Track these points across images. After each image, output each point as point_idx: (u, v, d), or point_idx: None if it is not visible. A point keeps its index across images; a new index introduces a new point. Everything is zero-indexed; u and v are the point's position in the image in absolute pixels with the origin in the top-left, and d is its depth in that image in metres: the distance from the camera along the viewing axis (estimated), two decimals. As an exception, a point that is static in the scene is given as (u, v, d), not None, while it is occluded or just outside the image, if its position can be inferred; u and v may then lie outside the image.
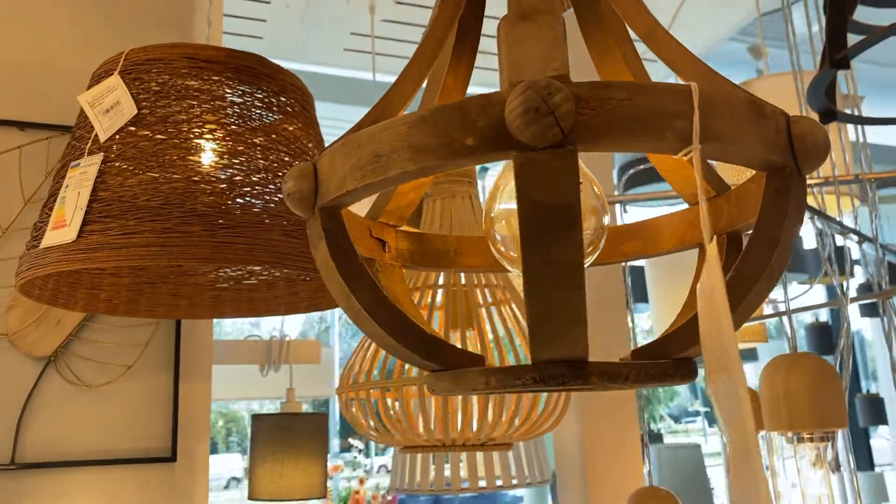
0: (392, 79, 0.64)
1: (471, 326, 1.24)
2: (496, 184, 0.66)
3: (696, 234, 0.71)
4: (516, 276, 0.97)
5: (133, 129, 1.12)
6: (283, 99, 1.25)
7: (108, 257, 0.99)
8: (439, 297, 1.32)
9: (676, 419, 20.65)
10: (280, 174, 1.17)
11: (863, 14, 1.08)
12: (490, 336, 1.24)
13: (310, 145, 1.26)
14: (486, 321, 1.25)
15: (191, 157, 1.10)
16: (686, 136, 0.45)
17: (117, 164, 1.09)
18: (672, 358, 0.53)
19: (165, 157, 1.09)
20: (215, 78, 1.18)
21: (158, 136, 1.11)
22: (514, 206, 0.48)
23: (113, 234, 1.00)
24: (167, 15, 1.95)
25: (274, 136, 1.19)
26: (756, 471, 0.37)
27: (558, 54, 0.47)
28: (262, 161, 1.15)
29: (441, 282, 1.33)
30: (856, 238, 1.62)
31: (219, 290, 1.43)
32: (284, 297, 1.42)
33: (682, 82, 0.48)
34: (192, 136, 1.12)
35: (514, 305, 1.29)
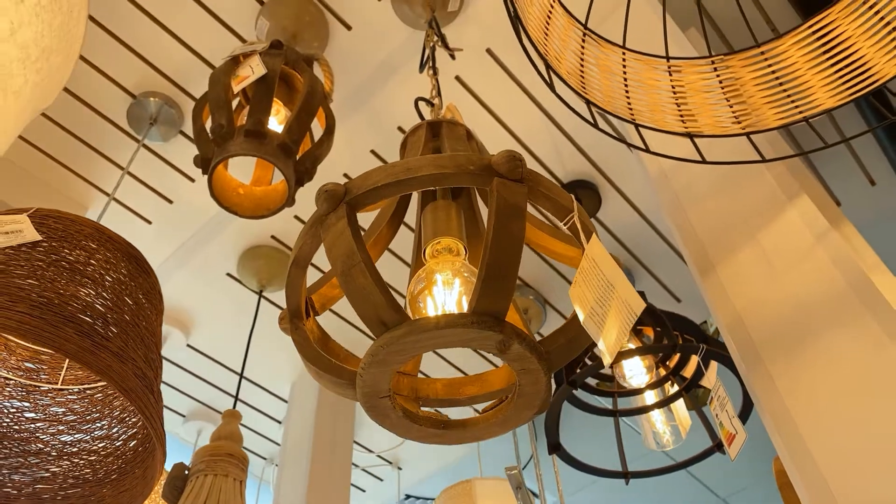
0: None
1: None
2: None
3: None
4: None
5: (29, 248, 1.23)
6: (150, 295, 1.42)
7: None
8: None
9: None
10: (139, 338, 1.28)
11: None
12: None
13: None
14: None
15: (74, 286, 1.21)
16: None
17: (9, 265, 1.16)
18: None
19: (53, 274, 1.19)
20: (109, 254, 1.36)
21: (52, 260, 1.22)
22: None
23: None
24: None
25: (139, 313, 1.34)
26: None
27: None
28: (127, 317, 1.28)
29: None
30: None
31: None
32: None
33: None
34: (78, 274, 1.25)
35: None
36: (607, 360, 0.73)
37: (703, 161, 1.09)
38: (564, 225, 0.88)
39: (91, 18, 1.85)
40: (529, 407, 0.87)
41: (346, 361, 1.00)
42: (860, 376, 0.93)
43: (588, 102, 1.10)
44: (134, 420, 1.50)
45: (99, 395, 1.58)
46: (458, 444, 0.93)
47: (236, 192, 1.41)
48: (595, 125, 1.09)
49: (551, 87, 1.04)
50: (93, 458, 1.48)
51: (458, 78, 2.04)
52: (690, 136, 1.14)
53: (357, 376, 0.83)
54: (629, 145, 1.08)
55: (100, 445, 1.51)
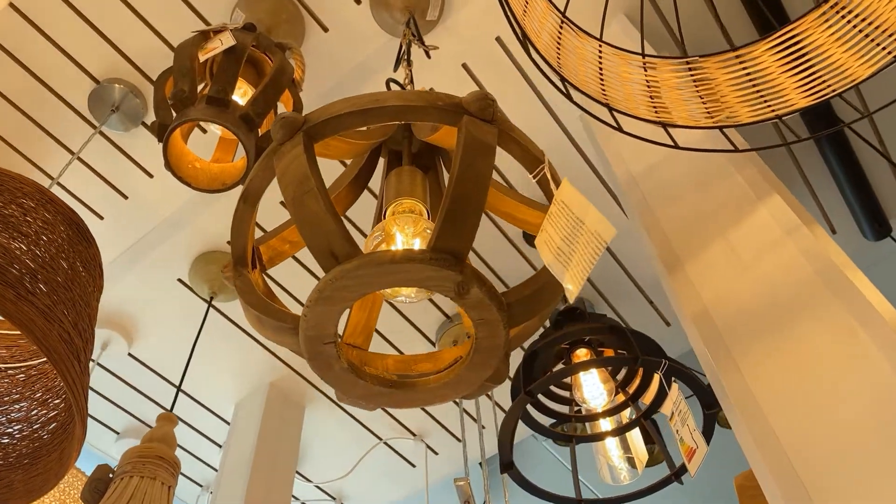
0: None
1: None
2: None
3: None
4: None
5: (-40, 195, 1.14)
6: (89, 266, 1.33)
7: None
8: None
9: None
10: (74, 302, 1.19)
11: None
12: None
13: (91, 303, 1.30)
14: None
15: (5, 239, 1.12)
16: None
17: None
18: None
19: (-17, 224, 1.11)
20: (49, 216, 1.28)
21: (-16, 210, 1.14)
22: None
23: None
24: None
25: (75, 279, 1.25)
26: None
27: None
28: (60, 279, 1.19)
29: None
30: None
31: None
32: None
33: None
34: (11, 228, 1.16)
35: None
36: (572, 295, 0.67)
37: (676, 146, 1.07)
38: (534, 178, 0.84)
39: (60, -5, 1.81)
40: (485, 366, 0.81)
41: (292, 318, 0.93)
42: (831, 363, 0.90)
43: (562, 79, 1.07)
44: (56, 402, 1.39)
45: (21, 375, 1.47)
46: (406, 406, 0.86)
47: (192, 165, 1.35)
48: (569, 97, 1.07)
49: (526, 49, 1.02)
50: (5, 440, 1.36)
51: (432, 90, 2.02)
52: (664, 124, 1.12)
53: (301, 317, 0.77)
54: (604, 122, 1.06)
55: (15, 428, 1.39)
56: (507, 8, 0.99)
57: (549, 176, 0.81)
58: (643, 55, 1.24)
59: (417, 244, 0.91)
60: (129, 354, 2.48)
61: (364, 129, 1.00)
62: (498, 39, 1.95)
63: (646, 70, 1.24)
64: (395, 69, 1.60)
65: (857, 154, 2.02)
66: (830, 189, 2.17)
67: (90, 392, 2.07)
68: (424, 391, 0.84)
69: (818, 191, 2.23)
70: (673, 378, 1.64)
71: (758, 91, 1.20)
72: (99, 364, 2.49)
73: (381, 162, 1.07)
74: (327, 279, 0.74)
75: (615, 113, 1.09)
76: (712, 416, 1.58)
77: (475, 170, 0.75)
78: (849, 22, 1.16)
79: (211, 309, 2.33)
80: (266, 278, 0.97)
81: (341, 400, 0.88)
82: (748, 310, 1.02)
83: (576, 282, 0.66)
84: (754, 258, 1.06)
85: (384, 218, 0.96)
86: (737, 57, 1.25)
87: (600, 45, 1.23)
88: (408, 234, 0.91)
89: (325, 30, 1.91)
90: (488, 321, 0.76)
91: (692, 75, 1.24)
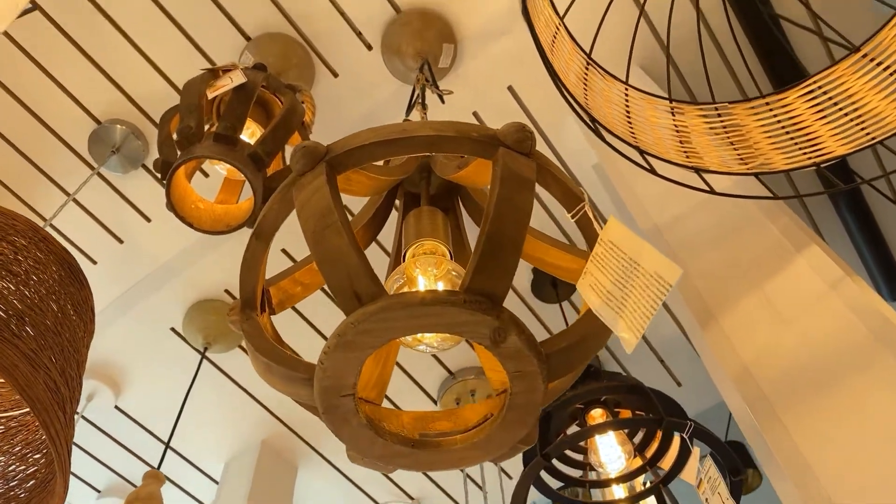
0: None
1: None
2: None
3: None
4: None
5: (-53, 229, 1.07)
6: (81, 309, 1.25)
7: None
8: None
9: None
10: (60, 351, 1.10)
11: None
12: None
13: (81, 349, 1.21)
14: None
15: (-8, 277, 1.05)
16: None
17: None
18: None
19: (-31, 260, 1.03)
20: (41, 255, 1.20)
21: (-29, 246, 1.06)
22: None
23: None
24: None
25: (65, 323, 1.16)
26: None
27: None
28: (49, 322, 1.10)
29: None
30: None
31: None
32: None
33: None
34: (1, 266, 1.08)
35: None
36: (629, 345, 0.60)
37: (712, 191, 1.01)
38: (573, 217, 0.77)
39: (66, 35, 1.77)
40: (521, 424, 0.72)
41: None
42: (887, 423, 0.82)
43: (592, 119, 1.02)
44: (37, 457, 1.29)
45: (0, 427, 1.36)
46: (429, 469, 0.77)
47: (195, 205, 1.28)
48: (600, 135, 1.02)
49: (557, 85, 0.97)
50: (-23, 499, 1.25)
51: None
52: (697, 169, 1.06)
53: (317, 365, 0.69)
54: (635, 164, 1.00)
55: (-11, 485, 1.28)
56: (537, 43, 0.94)
57: (591, 215, 0.74)
58: (670, 99, 1.20)
59: (441, 287, 0.84)
60: (116, 407, 2.37)
61: (385, 164, 0.94)
62: (510, 89, 1.92)
63: (674, 115, 1.19)
64: (408, 113, 1.56)
65: (871, 208, 1.97)
66: (844, 244, 2.12)
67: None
68: (450, 452, 0.75)
69: (831, 246, 2.19)
70: (694, 441, 1.55)
71: (791, 138, 1.15)
72: (83, 417, 2.36)
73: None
74: (349, 322, 0.66)
75: (646, 156, 1.04)
76: (738, 484, 1.48)
77: (514, 205, 0.69)
78: (886, 69, 1.12)
79: (204, 360, 2.23)
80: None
81: (354, 461, 0.79)
82: (793, 367, 0.95)
83: (633, 330, 0.59)
84: (797, 312, 0.99)
85: (403, 261, 0.89)
86: (767, 104, 1.21)
87: (626, 89, 1.19)
88: (431, 276, 0.84)
89: (336, 75, 1.87)
90: (526, 374, 0.68)
91: (722, 121, 1.19)
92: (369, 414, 0.83)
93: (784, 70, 1.72)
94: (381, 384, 0.90)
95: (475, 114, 1.95)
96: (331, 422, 0.72)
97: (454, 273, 0.83)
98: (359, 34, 1.82)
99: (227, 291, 2.19)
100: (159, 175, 1.24)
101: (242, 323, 0.80)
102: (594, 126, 1.02)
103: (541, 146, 1.99)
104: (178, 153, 1.25)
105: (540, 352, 0.68)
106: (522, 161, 0.72)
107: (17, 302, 1.07)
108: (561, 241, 0.88)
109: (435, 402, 2.45)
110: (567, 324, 2.14)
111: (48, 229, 1.97)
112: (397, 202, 1.03)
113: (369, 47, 1.84)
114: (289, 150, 1.47)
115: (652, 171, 1.01)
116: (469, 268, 0.67)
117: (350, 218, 0.99)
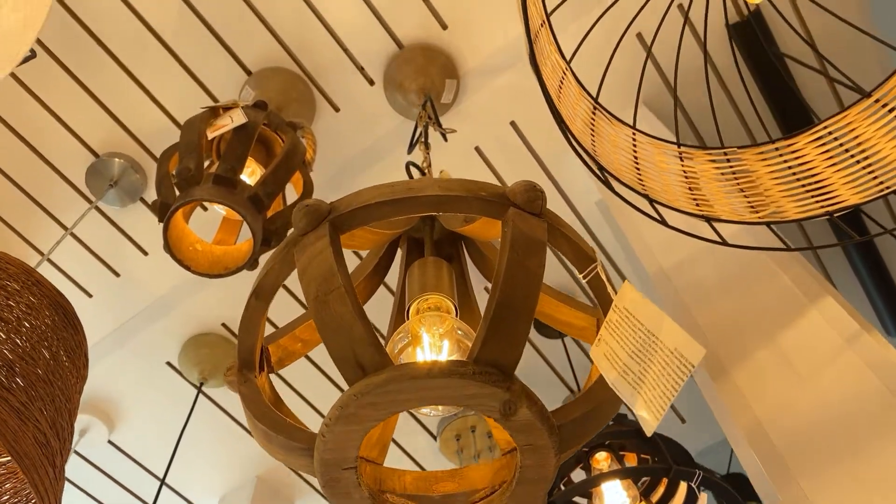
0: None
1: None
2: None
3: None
4: None
5: (-63, 276, 1.04)
6: (74, 355, 1.22)
7: None
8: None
9: None
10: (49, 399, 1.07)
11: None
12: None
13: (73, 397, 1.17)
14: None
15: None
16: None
17: None
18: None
19: (-41, 309, 1.00)
20: (34, 299, 1.17)
21: (-39, 293, 1.03)
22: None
23: None
24: None
25: (57, 371, 1.13)
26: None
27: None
28: (40, 371, 1.07)
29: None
30: None
31: None
32: None
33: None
34: (-8, 314, 1.05)
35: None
36: (649, 427, 0.57)
37: (724, 243, 0.98)
38: (584, 277, 0.74)
39: (64, 67, 1.75)
40: (531, 499, 0.69)
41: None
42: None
43: (601, 168, 1.00)
44: (24, 508, 1.25)
45: (-13, 476, 1.32)
46: (434, 541, 0.73)
47: (193, 247, 1.25)
48: (608, 185, 0.99)
49: (565, 134, 0.94)
50: (-41, 554, 1.21)
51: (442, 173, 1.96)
52: (708, 219, 1.04)
53: (318, 437, 0.65)
54: (645, 214, 0.98)
55: (-27, 539, 1.24)
56: (544, 90, 0.92)
57: (603, 277, 0.72)
58: (678, 144, 1.18)
59: (446, 346, 0.81)
60: (109, 442, 2.32)
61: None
62: (512, 124, 1.91)
63: (682, 160, 1.17)
64: (410, 151, 1.54)
65: (883, 256, 1.94)
66: (856, 292, 2.08)
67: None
68: (457, 525, 0.72)
69: (843, 295, 2.16)
70: (701, 488, 1.52)
71: (802, 185, 1.13)
72: (76, 451, 2.31)
73: (398, 259, 0.98)
74: (351, 394, 0.63)
75: (656, 205, 1.02)
76: (748, 532, 1.44)
77: (525, 269, 0.66)
78: (898, 116, 1.10)
79: (200, 395, 2.19)
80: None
81: (355, 529, 0.75)
82: (810, 425, 0.91)
83: (653, 411, 0.56)
84: (813, 368, 0.96)
85: (407, 315, 0.86)
86: (776, 149, 1.18)
87: (634, 133, 1.16)
88: (436, 335, 0.81)
89: (337, 110, 1.86)
90: (537, 447, 0.65)
91: (731, 166, 1.17)
92: (371, 475, 0.80)
93: (791, 110, 1.70)
94: (383, 443, 0.87)
95: (477, 148, 1.93)
96: (331, 494, 0.69)
97: (460, 332, 0.80)
98: (361, 69, 1.81)
99: (224, 325, 2.15)
100: (157, 218, 1.21)
101: (240, 385, 0.77)
102: (603, 176, 1.00)
103: (543, 182, 1.97)
104: (177, 194, 1.23)
105: (552, 424, 0.65)
106: (533, 222, 0.70)
107: (8, 352, 1.04)
108: (572, 298, 0.85)
109: (434, 438, 2.40)
110: (570, 360, 2.10)
111: (44, 264, 1.94)
112: (400, 248, 1.00)
113: (371, 82, 1.82)
114: (290, 188, 1.45)
115: (662, 221, 0.98)
116: (478, 336, 0.64)
117: (353, 270, 0.96)
